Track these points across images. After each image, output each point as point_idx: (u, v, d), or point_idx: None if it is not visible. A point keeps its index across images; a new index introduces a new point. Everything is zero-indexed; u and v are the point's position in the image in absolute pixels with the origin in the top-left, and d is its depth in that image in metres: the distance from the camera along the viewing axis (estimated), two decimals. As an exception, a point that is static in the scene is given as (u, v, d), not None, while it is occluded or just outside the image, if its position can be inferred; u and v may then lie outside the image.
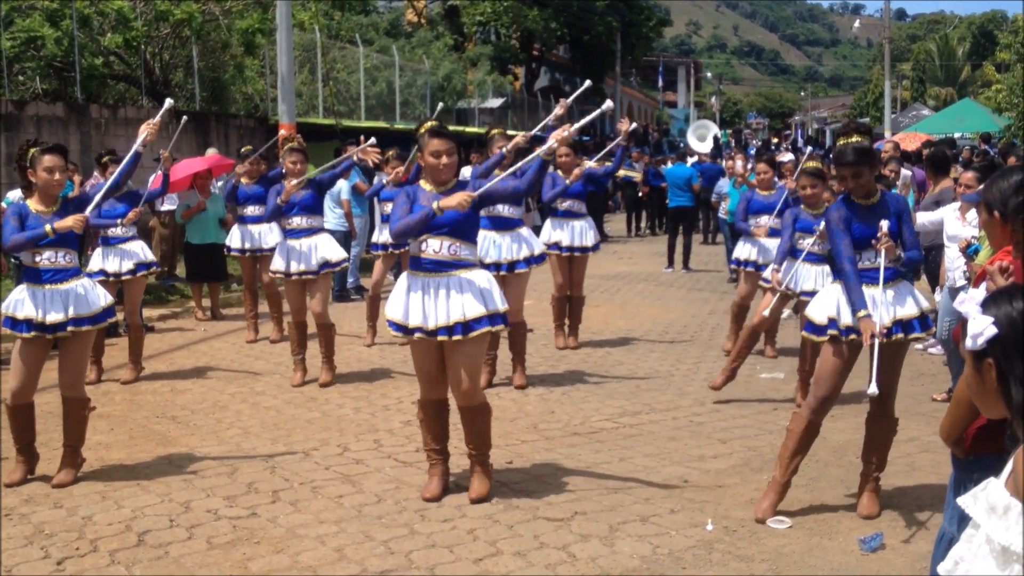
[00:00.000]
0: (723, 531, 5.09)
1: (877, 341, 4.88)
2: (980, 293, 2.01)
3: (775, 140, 56.42)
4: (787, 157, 16.34)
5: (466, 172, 17.80)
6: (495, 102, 31.62)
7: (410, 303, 5.39)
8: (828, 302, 5.29)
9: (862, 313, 4.99)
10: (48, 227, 5.70)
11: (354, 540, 4.98)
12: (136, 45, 16.97)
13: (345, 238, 12.91)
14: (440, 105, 12.13)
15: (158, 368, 9.11)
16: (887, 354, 5.16)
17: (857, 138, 5.13)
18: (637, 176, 23.20)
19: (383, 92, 23.95)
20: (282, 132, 14.91)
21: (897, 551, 4.82)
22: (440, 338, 5.34)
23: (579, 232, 9.50)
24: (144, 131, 6.11)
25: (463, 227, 5.42)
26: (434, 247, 5.38)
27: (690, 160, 21.01)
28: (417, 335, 5.39)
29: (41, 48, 15.56)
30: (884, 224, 5.03)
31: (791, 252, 7.71)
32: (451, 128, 25.20)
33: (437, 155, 5.40)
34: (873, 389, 4.73)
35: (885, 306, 5.10)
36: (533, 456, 6.38)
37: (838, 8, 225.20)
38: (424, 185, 5.53)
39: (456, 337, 5.32)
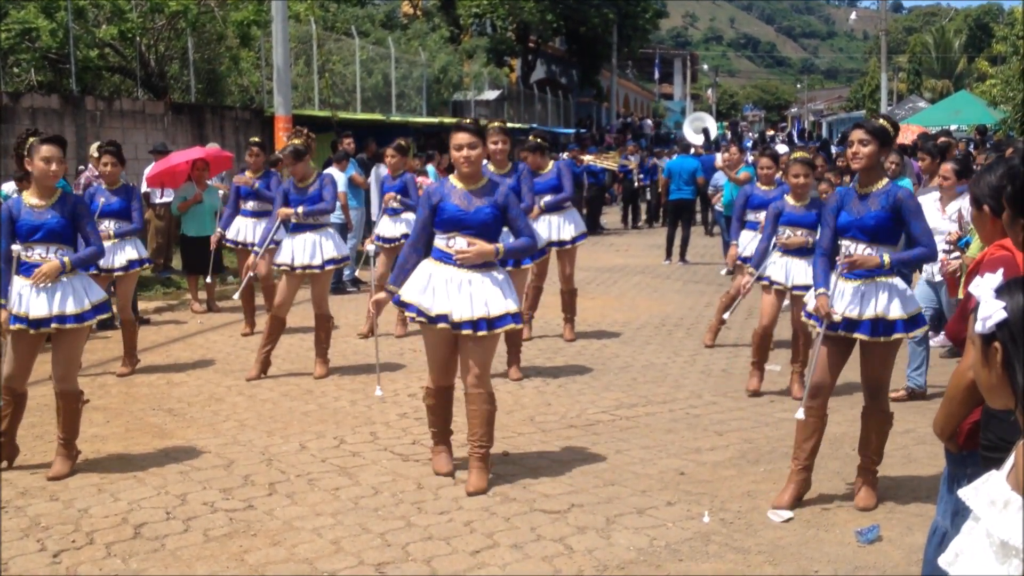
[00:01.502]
0: (720, 523, 5.09)
1: (823, 327, 5.20)
2: (996, 278, 2.01)
3: (771, 132, 56.46)
4: (782, 149, 16.37)
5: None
6: (491, 94, 31.58)
7: (435, 292, 5.51)
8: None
9: (820, 291, 5.27)
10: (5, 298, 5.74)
11: (351, 532, 4.98)
12: (131, 37, 16.93)
13: (341, 231, 12.88)
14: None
15: (154, 360, 9.10)
16: (874, 350, 5.27)
17: (884, 122, 5.37)
18: (632, 164, 23.22)
19: (379, 84, 23.91)
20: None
21: (894, 543, 4.83)
22: (464, 332, 5.46)
23: (556, 227, 9.47)
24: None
25: (491, 228, 5.57)
26: (461, 245, 5.51)
27: (691, 152, 21.03)
28: (440, 325, 5.49)
29: (36, 40, 15.52)
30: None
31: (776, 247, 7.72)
32: (447, 120, 25.04)
33: (459, 147, 5.52)
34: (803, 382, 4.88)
35: (853, 302, 5.25)
36: (529, 448, 6.38)
37: (834, 0, 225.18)
38: (454, 181, 5.64)
39: (481, 332, 5.47)
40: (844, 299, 5.27)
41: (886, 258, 5.22)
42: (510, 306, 5.55)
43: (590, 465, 6.03)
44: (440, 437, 5.90)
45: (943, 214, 7.76)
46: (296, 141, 8.63)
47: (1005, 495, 1.85)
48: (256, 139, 11.17)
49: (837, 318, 5.21)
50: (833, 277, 5.33)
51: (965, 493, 1.94)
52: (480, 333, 5.47)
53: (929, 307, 7.78)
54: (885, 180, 5.32)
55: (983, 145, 20.29)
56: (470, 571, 4.55)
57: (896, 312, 5.25)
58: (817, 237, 6.06)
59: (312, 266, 8.39)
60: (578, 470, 5.93)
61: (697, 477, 5.82)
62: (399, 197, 10.01)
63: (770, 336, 7.96)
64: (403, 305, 5.68)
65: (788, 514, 5.17)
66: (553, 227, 9.36)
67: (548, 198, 9.15)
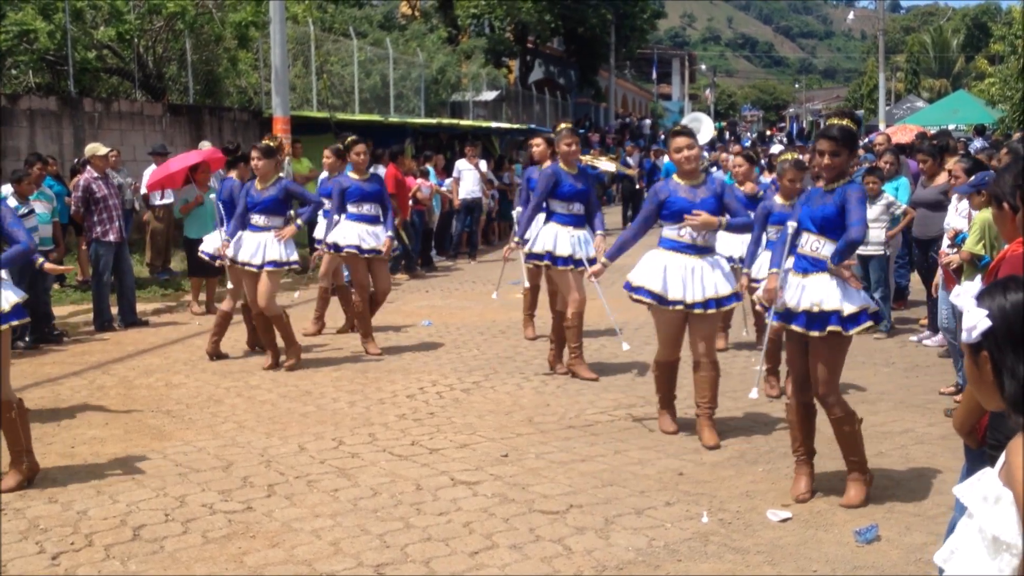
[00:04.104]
0: (718, 523, 5.10)
1: (772, 305, 5.51)
2: (975, 286, 2.02)
3: (769, 132, 56.48)
4: (778, 149, 16.37)
5: (459, 165, 17.87)
6: (489, 95, 31.57)
7: (670, 279, 6.33)
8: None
9: (772, 270, 5.57)
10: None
11: (349, 534, 4.98)
12: (129, 38, 16.92)
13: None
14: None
15: (153, 362, 9.10)
16: (815, 346, 5.28)
17: (847, 121, 5.35)
18: (632, 171, 23.23)
19: (377, 85, 23.89)
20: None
21: (892, 543, 4.83)
22: (697, 311, 6.33)
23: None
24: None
25: (714, 216, 6.42)
26: (693, 234, 6.38)
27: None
28: (675, 307, 6.31)
29: (34, 42, 15.50)
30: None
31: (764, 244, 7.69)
32: (446, 121, 25.03)
33: (679, 150, 6.40)
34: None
35: (803, 293, 5.32)
36: (528, 449, 6.38)
37: (832, 0, 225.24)
38: (677, 179, 6.48)
39: (710, 311, 6.36)
40: (790, 291, 5.38)
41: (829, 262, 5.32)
42: (730, 287, 6.43)
43: (589, 466, 6.03)
44: (666, 403, 6.74)
45: (956, 211, 7.85)
46: (267, 141, 8.71)
47: (997, 491, 1.86)
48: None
49: (779, 306, 5.40)
50: (790, 276, 5.44)
51: (959, 490, 1.94)
52: (710, 311, 6.34)
53: (951, 309, 7.78)
54: (847, 178, 5.37)
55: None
56: (469, 572, 4.55)
57: (831, 305, 5.23)
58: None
59: (251, 264, 8.52)
60: (577, 471, 5.93)
61: (696, 477, 5.83)
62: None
63: (779, 342, 7.90)
64: (634, 290, 6.42)
65: (786, 514, 5.18)
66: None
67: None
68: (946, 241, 7.67)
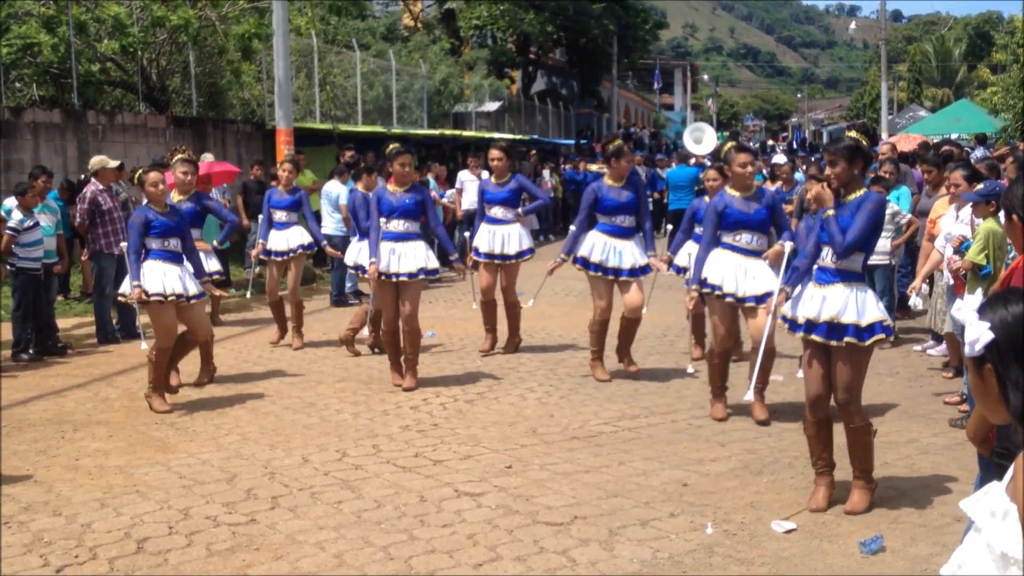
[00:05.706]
0: (723, 534, 5.09)
1: (776, 315, 5.81)
2: (976, 299, 2.01)
3: (772, 142, 56.53)
4: (782, 159, 16.32)
5: (462, 176, 17.88)
6: (492, 106, 31.61)
7: (727, 275, 7.05)
8: (805, 299, 5.48)
9: (783, 287, 5.81)
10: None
11: (353, 546, 4.97)
12: (133, 51, 16.98)
13: (343, 242, 12.89)
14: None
15: (156, 374, 9.09)
16: (839, 357, 5.29)
17: (855, 134, 5.42)
18: None
19: (380, 96, 23.94)
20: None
21: (897, 553, 4.82)
22: (748, 304, 7.07)
23: (502, 239, 9.66)
24: None
25: (765, 225, 7.20)
26: (746, 239, 7.14)
27: (691, 162, 21.09)
28: (728, 299, 7.06)
29: (38, 55, 15.56)
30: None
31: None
32: (448, 132, 25.03)
33: (743, 165, 7.04)
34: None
35: (824, 304, 5.33)
36: (532, 460, 6.38)
37: (834, 10, 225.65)
38: (730, 191, 7.15)
39: (761, 306, 6.86)
40: (814, 302, 5.37)
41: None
42: (775, 284, 6.63)
43: (593, 477, 6.03)
44: (717, 393, 7.38)
45: (956, 219, 7.89)
46: (181, 155, 8.71)
47: (1004, 506, 1.85)
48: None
49: (796, 317, 5.45)
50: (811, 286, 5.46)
51: (966, 504, 1.93)
52: (761, 306, 6.89)
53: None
54: (862, 190, 5.40)
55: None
56: (473, 584, 4.54)
57: (849, 317, 5.27)
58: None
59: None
60: (581, 482, 5.93)
61: (700, 488, 5.82)
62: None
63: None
64: (701, 283, 7.14)
65: (791, 525, 5.17)
66: (498, 240, 9.69)
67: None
68: (950, 249, 7.66)
